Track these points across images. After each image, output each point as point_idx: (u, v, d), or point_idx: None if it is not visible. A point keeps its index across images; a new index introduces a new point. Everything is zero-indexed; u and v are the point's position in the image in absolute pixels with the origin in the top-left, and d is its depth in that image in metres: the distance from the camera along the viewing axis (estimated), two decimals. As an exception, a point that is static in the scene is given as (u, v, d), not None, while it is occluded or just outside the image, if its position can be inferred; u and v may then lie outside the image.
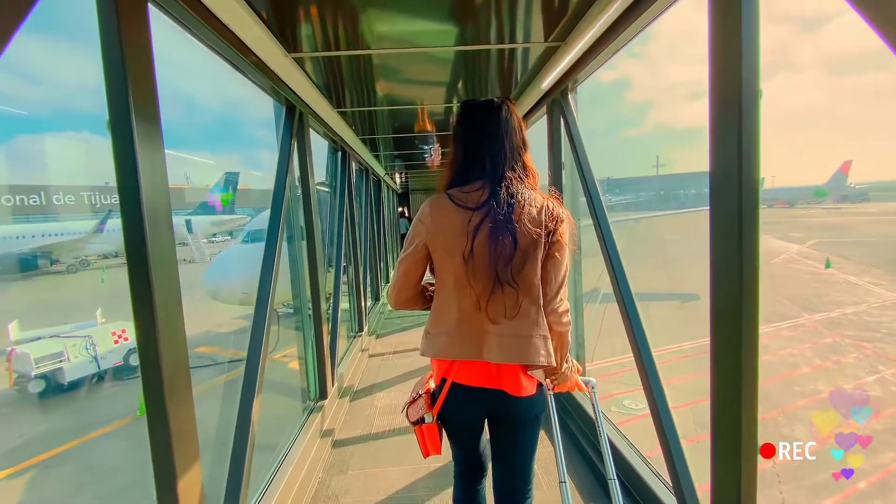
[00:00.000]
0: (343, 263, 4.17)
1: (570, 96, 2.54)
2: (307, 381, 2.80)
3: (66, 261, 21.78)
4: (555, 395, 1.37)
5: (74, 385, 10.39)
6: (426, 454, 1.31)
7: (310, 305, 2.73)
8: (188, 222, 23.33)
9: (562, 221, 1.20)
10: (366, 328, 4.46)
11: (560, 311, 1.21)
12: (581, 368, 1.40)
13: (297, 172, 2.68)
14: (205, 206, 25.18)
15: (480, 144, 1.22)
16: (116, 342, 10.94)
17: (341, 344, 3.56)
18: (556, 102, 2.65)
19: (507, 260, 1.14)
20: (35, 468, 7.18)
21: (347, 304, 4.36)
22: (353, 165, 4.70)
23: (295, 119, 2.49)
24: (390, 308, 7.36)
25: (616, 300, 2.04)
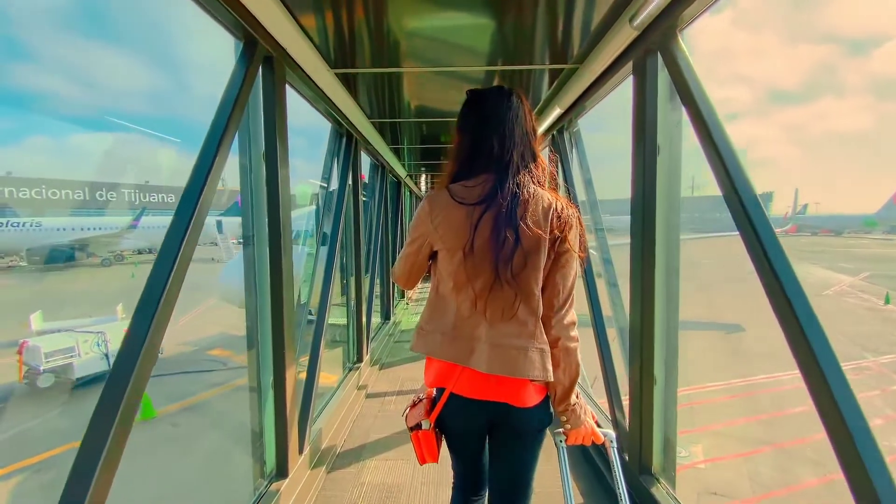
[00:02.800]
0: (340, 275, 3.27)
1: (678, 39, 1.57)
2: (264, 450, 1.88)
3: (102, 254, 21.98)
4: (568, 448, 1.17)
5: (83, 382, 9.95)
6: (422, 461, 1.21)
7: (270, 334, 1.82)
8: (219, 223, 23.49)
9: (571, 227, 1.11)
10: (367, 357, 3.51)
11: (566, 322, 1.12)
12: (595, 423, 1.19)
13: (262, 142, 1.79)
14: (236, 207, 25.18)
15: (489, 127, 1.14)
16: (129, 340, 10.47)
17: (328, 378, 2.64)
18: (654, 51, 1.69)
19: (509, 257, 1.07)
20: (26, 471, 6.60)
21: (345, 326, 3.44)
22: (364, 157, 3.83)
23: (255, 57, 1.60)
24: (405, 296, 6.34)
25: (783, 325, 1.11)
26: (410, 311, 6.51)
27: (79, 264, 21.81)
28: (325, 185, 2.93)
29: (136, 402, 1.07)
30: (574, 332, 1.13)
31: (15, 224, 20.35)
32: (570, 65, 2.24)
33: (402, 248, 1.33)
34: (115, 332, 10.37)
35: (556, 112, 2.76)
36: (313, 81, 2.21)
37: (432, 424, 1.19)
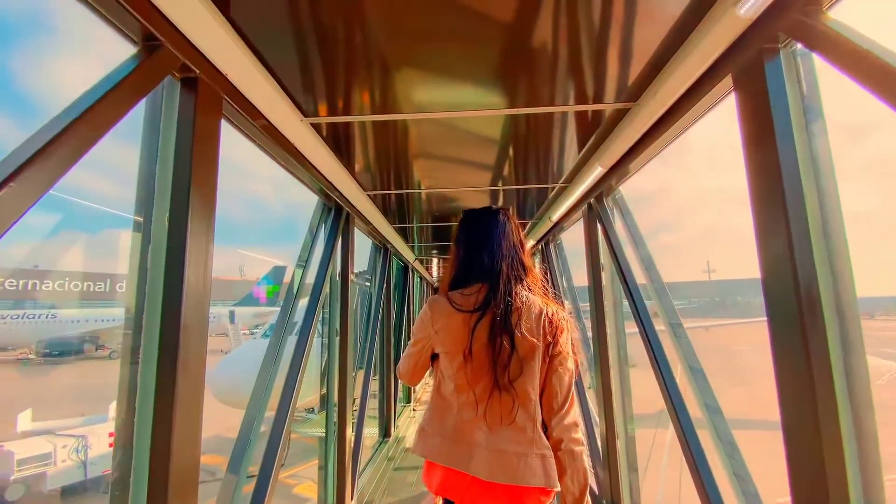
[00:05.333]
0: (321, 377, 2.46)
1: (828, 16, 0.94)
2: None
3: (112, 346, 21.29)
4: None
5: (54, 495, 8.66)
6: None
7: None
8: (231, 313, 22.97)
9: (562, 331, 1.15)
10: (353, 502, 2.52)
11: (567, 423, 1.11)
12: None
13: (168, 198, 1.13)
14: (250, 297, 24.91)
15: (480, 242, 1.24)
16: (112, 444, 9.33)
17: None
18: (774, 49, 1.07)
19: (506, 364, 1.10)
20: None
21: (322, 457, 2.50)
22: (361, 237, 3.21)
23: (156, 65, 1.00)
24: (412, 399, 5.27)
25: None
26: (418, 419, 5.42)
27: (88, 357, 21.15)
28: (304, 265, 2.24)
29: None
30: (577, 435, 1.11)
31: (31, 316, 20.16)
32: (621, 104, 1.65)
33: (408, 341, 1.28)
34: (101, 434, 9.35)
35: (595, 172, 2.12)
36: (280, 132, 1.64)
37: None
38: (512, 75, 1.46)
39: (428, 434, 1.16)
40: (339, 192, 2.37)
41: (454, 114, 1.70)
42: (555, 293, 1.33)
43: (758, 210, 1.09)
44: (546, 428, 1.12)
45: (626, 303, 2.43)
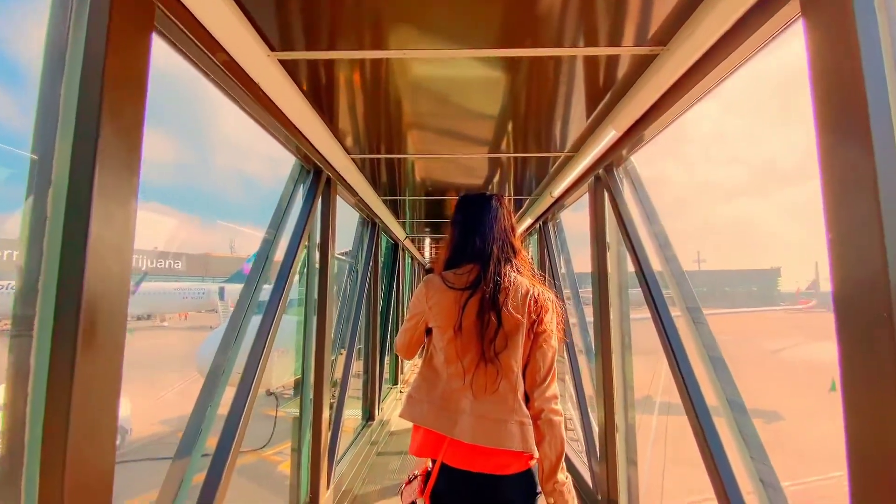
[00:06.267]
0: (297, 355, 2.25)
1: None
2: None
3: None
4: None
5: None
6: None
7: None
8: (221, 290, 22.84)
9: (547, 310, 1.22)
10: (328, 492, 2.32)
11: (548, 395, 1.20)
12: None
13: (71, 130, 0.87)
14: (240, 274, 24.68)
15: (473, 225, 1.32)
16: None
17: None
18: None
19: (492, 338, 1.18)
20: None
21: (296, 440, 2.28)
22: (349, 213, 2.95)
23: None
24: (399, 380, 5.12)
25: None
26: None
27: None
28: (273, 234, 1.98)
29: None
30: (556, 406, 1.20)
31: (12, 287, 19.70)
32: (646, 47, 1.39)
33: (397, 322, 1.96)
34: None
35: (608, 137, 1.87)
36: (240, 67, 1.36)
37: (427, 502, 1.19)
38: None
39: (415, 400, 1.25)
40: (318, 152, 2.10)
41: (447, 52, 1.43)
42: (541, 275, 1.37)
43: (831, 181, 0.85)
44: (528, 399, 1.20)
45: (632, 287, 2.23)
